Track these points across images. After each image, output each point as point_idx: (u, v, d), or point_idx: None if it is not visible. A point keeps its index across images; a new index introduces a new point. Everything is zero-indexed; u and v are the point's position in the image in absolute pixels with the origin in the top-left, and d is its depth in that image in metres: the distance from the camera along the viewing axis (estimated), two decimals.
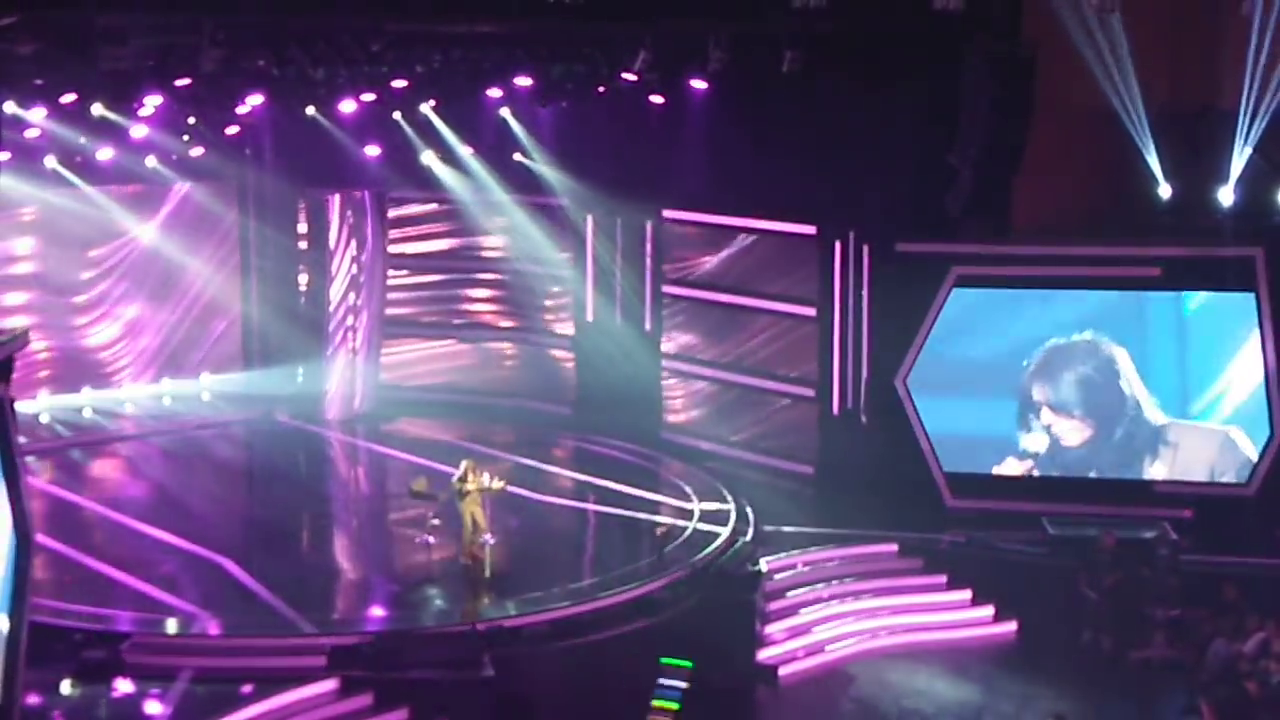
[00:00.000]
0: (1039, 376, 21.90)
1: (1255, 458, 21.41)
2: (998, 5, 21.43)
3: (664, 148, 24.17)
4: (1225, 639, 17.76)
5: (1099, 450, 21.87)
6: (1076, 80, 21.38)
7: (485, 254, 27.14)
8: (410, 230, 27.37)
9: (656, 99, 23.22)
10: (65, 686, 16.14)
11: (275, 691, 16.06)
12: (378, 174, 25.79)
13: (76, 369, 26.13)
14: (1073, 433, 21.89)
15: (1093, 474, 21.88)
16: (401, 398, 26.87)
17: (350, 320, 26.29)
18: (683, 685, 16.43)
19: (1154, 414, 21.70)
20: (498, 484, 19.36)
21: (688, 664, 16.41)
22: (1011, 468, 22.05)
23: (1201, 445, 21.60)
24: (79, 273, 26.00)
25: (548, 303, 26.79)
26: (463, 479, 19.16)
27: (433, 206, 27.04)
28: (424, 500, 19.97)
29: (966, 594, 20.37)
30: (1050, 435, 21.92)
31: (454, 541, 19.40)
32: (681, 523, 20.73)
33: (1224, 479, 21.57)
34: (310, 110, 23.33)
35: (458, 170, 25.85)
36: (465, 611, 18.15)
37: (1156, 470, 21.73)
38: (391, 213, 26.84)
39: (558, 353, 26.67)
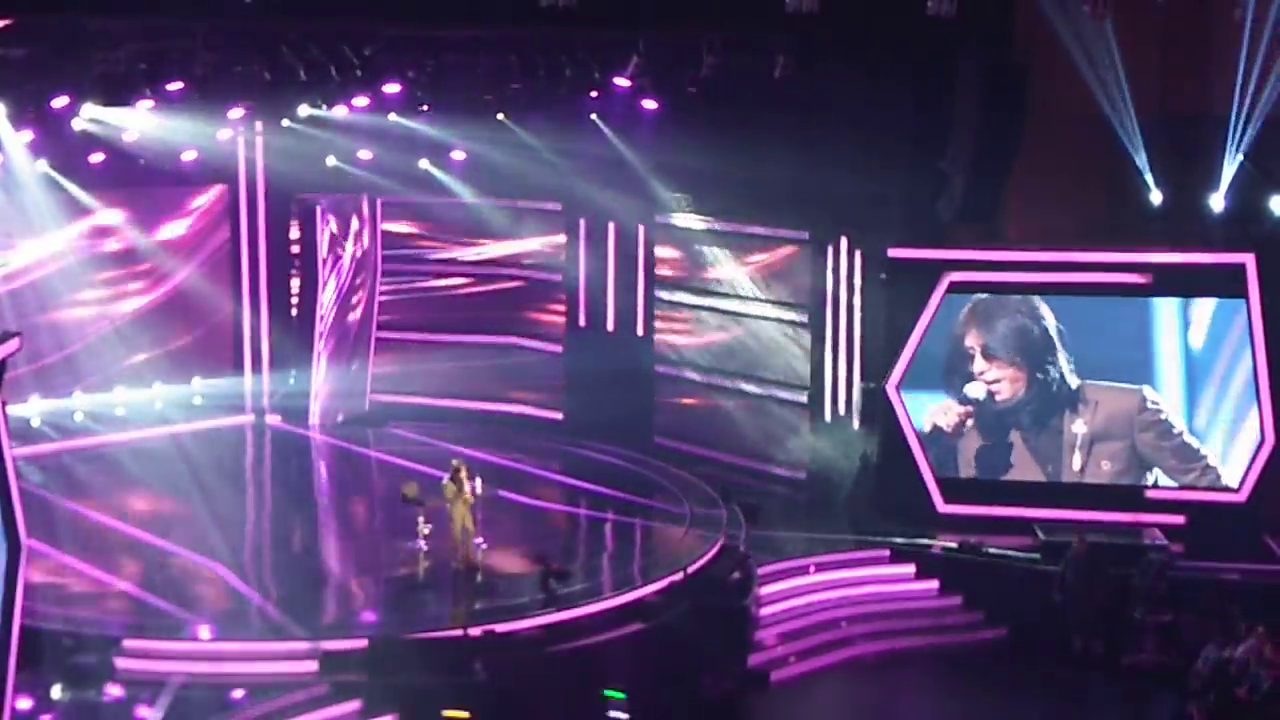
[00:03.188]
0: (972, 323, 21.86)
1: (1165, 417, 21.53)
2: (990, 12, 21.45)
3: (657, 152, 24.19)
4: (1215, 644, 17.78)
5: (1023, 405, 21.87)
6: (1068, 87, 21.42)
7: (478, 258, 27.14)
8: (403, 234, 27.35)
9: (649, 104, 23.24)
10: (56, 691, 16.12)
11: (266, 697, 16.03)
12: (370, 179, 25.78)
13: (68, 373, 26.06)
14: (1006, 384, 21.86)
15: (1014, 435, 21.88)
16: (393, 402, 26.84)
17: (342, 324, 26.27)
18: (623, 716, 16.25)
19: (1070, 375, 21.78)
20: (480, 490, 19.32)
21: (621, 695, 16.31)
22: (949, 411, 21.93)
23: (1120, 403, 21.70)
24: (71, 276, 25.93)
25: (541, 307, 26.79)
26: (455, 478, 19.11)
27: (426, 211, 27.03)
28: (415, 505, 19.95)
29: (957, 599, 20.39)
30: (984, 385, 21.88)
31: (445, 546, 19.37)
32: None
33: (1141, 441, 21.62)
34: (302, 114, 23.32)
35: (451, 175, 25.85)
36: (457, 616, 18.12)
37: (1078, 428, 21.78)
38: (384, 217, 26.82)
39: (550, 358, 26.67)
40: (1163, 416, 21.66)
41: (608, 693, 16.27)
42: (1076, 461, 21.83)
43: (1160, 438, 21.70)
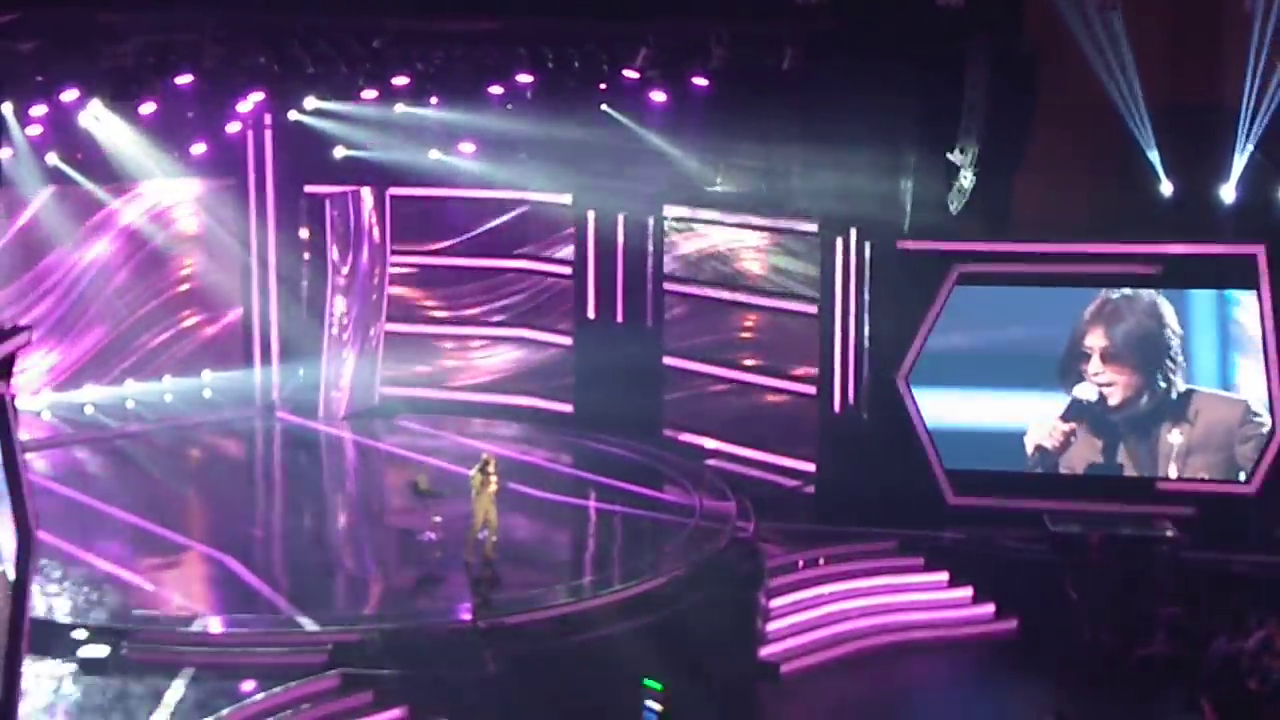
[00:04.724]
0: (1096, 323, 21.70)
1: (1267, 430, 21.32)
2: (999, 2, 21.42)
3: (666, 144, 24.18)
4: (1226, 636, 17.75)
5: (1135, 411, 21.68)
6: (1078, 77, 21.37)
7: (485, 250, 27.12)
8: (411, 227, 27.35)
9: (658, 96, 23.22)
10: (66, 683, 16.15)
11: (275, 688, 16.07)
12: (379, 171, 25.78)
13: (78, 366, 26.10)
14: (1119, 387, 21.67)
15: (1121, 443, 21.66)
16: (403, 394, 26.85)
17: (351, 317, 26.28)
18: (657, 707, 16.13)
19: (1180, 381, 21.66)
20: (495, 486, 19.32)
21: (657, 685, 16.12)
22: (1054, 430, 21.75)
23: (1223, 414, 21.51)
24: (80, 270, 25.96)
25: (549, 300, 26.79)
26: (483, 470, 19.07)
27: (433, 203, 27.03)
28: (426, 497, 19.97)
29: (967, 591, 20.38)
30: (1096, 387, 21.74)
31: (456, 538, 19.39)
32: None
33: (1239, 453, 21.44)
34: (311, 106, 23.33)
35: (460, 167, 25.84)
36: (480, 609, 18.06)
37: (1174, 438, 21.61)
38: (393, 210, 26.82)
39: (560, 350, 26.67)
40: (1265, 430, 21.39)
41: (646, 681, 16.00)
42: (1173, 471, 21.65)
43: (1259, 451, 21.46)
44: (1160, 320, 21.63)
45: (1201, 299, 21.61)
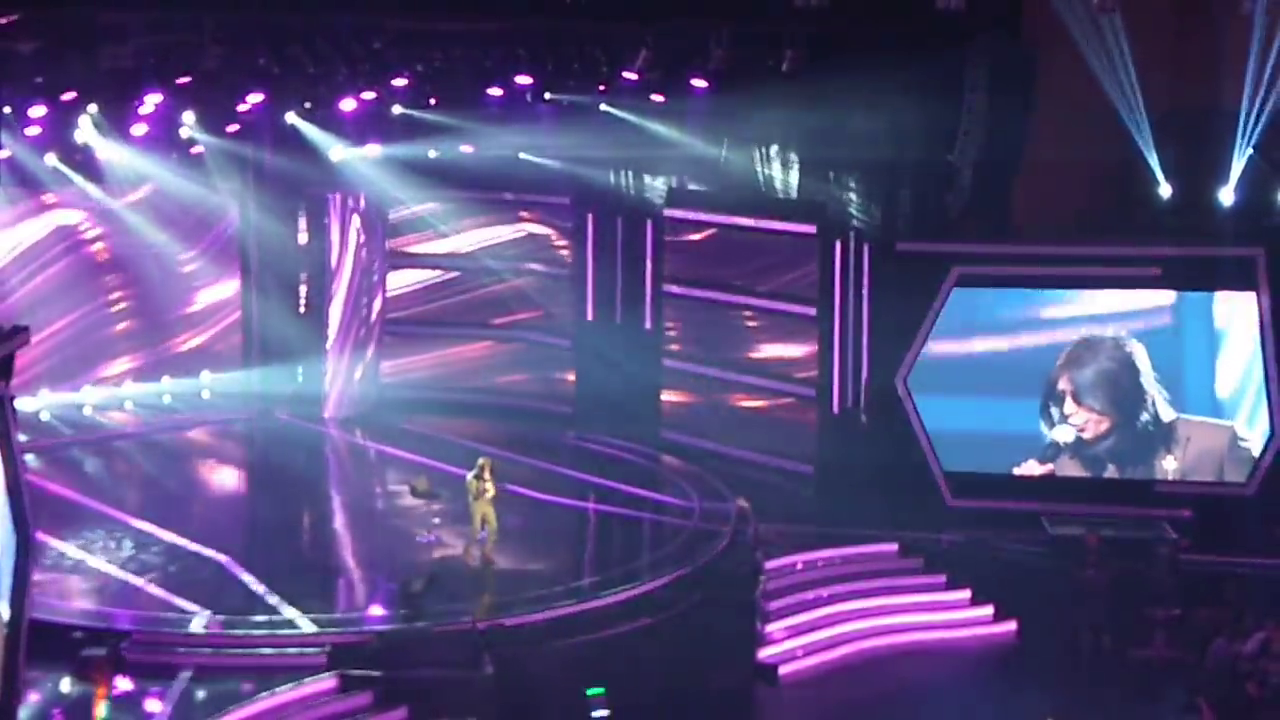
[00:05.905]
0: (1066, 367, 21.90)
1: (1256, 452, 21.41)
2: (999, 5, 21.45)
3: (665, 145, 24.17)
4: (1225, 639, 17.74)
5: (1116, 444, 21.88)
6: (1077, 80, 21.40)
7: (485, 252, 27.13)
8: (412, 226, 27.37)
9: (657, 97, 23.22)
10: (65, 684, 16.14)
11: (275, 689, 16.07)
12: (378, 172, 25.77)
13: (76, 366, 26.10)
14: (1091, 425, 21.89)
15: (1110, 469, 21.86)
16: (401, 396, 26.85)
17: (350, 318, 26.28)
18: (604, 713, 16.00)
19: (1165, 410, 21.69)
20: (492, 490, 19.32)
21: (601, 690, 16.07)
22: (1031, 469, 22.02)
23: (1211, 440, 21.65)
24: (82, 269, 25.96)
25: (548, 301, 26.79)
26: (479, 476, 19.08)
27: (433, 205, 27.03)
28: (425, 498, 19.97)
29: (966, 593, 20.36)
30: (1072, 427, 21.92)
31: (455, 540, 19.39)
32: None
33: (1230, 476, 21.56)
34: (310, 107, 23.34)
35: (458, 167, 25.84)
36: (480, 610, 18.07)
37: (1168, 464, 21.73)
38: (392, 210, 26.83)
39: (559, 351, 26.67)
40: (1254, 453, 21.57)
41: (590, 691, 15.98)
42: None
43: (1257, 455, 21.58)
44: (1126, 361, 21.76)
45: (1195, 305, 21.62)
